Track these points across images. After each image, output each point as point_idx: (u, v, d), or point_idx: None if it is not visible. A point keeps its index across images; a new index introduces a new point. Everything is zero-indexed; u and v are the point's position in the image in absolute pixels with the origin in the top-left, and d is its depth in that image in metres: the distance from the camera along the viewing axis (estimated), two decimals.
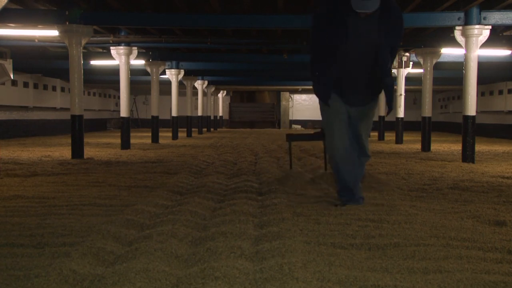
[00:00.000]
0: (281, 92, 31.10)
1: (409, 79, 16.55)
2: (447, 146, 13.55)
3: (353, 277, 2.42)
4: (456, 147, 12.72)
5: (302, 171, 6.54)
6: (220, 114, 30.92)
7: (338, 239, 3.17)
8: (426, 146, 11.76)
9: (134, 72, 15.60)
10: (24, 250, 2.92)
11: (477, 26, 8.62)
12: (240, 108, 31.77)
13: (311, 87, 21.58)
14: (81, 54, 9.15)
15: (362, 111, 4.40)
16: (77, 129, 9.19)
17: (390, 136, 17.71)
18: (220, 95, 30.18)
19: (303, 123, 31.62)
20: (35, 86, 18.33)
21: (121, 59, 11.82)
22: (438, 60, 11.98)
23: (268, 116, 31.48)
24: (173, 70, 16.17)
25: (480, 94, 20.20)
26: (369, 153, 4.53)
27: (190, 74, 18.95)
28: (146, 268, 2.43)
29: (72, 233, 3.31)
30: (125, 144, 11.84)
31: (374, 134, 16.40)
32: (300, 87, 27.12)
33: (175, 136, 16.68)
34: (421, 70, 12.31)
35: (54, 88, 19.94)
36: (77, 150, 9.18)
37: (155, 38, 11.53)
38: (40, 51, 14.30)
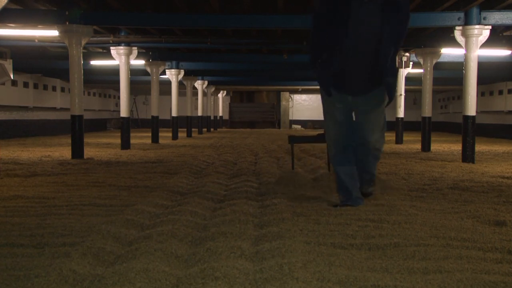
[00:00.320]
0: (281, 92, 31.10)
1: (409, 79, 16.55)
2: (447, 146, 13.56)
3: (353, 277, 2.42)
4: (456, 147, 12.72)
5: (303, 172, 6.43)
6: (220, 114, 30.92)
7: (338, 239, 3.17)
8: (426, 146, 11.76)
9: (134, 72, 15.60)
10: (24, 250, 2.92)
11: (477, 26, 8.62)
12: (240, 108, 31.78)
13: (311, 87, 21.76)
14: (81, 54, 9.14)
15: (367, 98, 4.27)
16: (77, 129, 9.19)
17: (390, 136, 17.70)
18: (220, 95, 30.18)
19: (303, 123, 31.63)
20: (35, 86, 18.33)
21: (121, 59, 11.82)
22: (438, 60, 11.98)
23: (268, 116, 31.49)
24: (173, 70, 16.17)
25: (480, 94, 20.19)
26: (378, 147, 4.33)
27: (190, 74, 18.95)
28: (146, 268, 2.43)
29: (72, 233, 3.31)
30: (125, 144, 11.84)
31: None
32: (300, 87, 27.12)
33: (175, 136, 16.68)
34: (421, 70, 12.31)
35: (54, 88, 19.94)
36: (77, 150, 9.18)
37: (155, 38, 11.54)
38: (40, 51, 14.30)
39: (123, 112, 12.05)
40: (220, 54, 14.62)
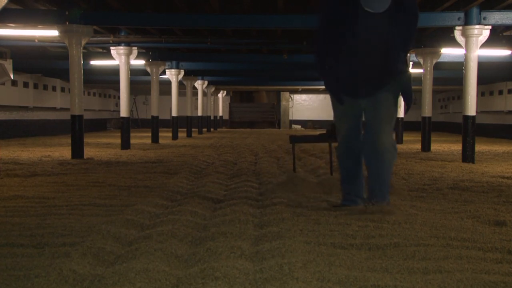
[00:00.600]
0: (281, 92, 31.11)
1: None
2: (447, 146, 13.56)
3: (353, 277, 2.42)
4: (456, 147, 12.72)
5: (306, 175, 6.26)
6: (220, 114, 30.93)
7: (338, 239, 3.17)
8: (426, 146, 11.77)
9: (134, 72, 15.60)
10: (24, 250, 2.92)
11: (477, 26, 8.62)
12: (240, 108, 31.79)
13: (311, 87, 21.77)
14: (81, 54, 9.14)
15: (376, 98, 4.10)
16: (77, 129, 9.19)
17: None
18: (220, 95, 30.19)
19: (303, 123, 31.63)
20: (35, 86, 18.33)
21: (121, 59, 11.82)
22: (438, 60, 11.98)
23: (268, 116, 31.50)
24: (173, 70, 16.17)
25: (480, 94, 20.19)
26: (389, 146, 4.12)
27: (190, 74, 18.95)
28: (146, 268, 2.43)
29: (72, 233, 3.31)
30: (125, 144, 11.84)
31: None
32: (300, 87, 27.14)
33: (175, 136, 16.69)
34: (421, 70, 12.31)
35: (54, 88, 19.94)
36: (77, 150, 9.18)
37: (155, 38, 11.54)
38: (40, 51, 14.30)
39: (123, 112, 12.05)
40: (220, 54, 14.63)
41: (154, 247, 2.77)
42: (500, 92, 19.54)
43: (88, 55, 13.93)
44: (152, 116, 14.88)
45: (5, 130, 16.37)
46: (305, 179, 5.49)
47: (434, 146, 12.95)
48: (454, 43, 9.67)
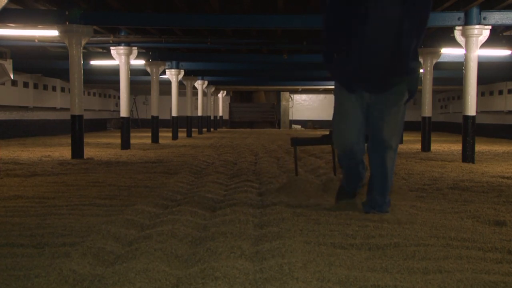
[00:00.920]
0: (281, 92, 31.12)
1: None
2: (447, 146, 13.56)
3: (353, 277, 2.42)
4: (456, 147, 12.72)
5: (309, 177, 5.92)
6: (220, 114, 30.93)
7: (338, 239, 3.17)
8: (426, 146, 11.77)
9: (134, 72, 15.60)
10: (24, 250, 2.92)
11: (477, 26, 8.62)
12: (240, 108, 31.79)
13: (311, 87, 21.72)
14: (81, 54, 9.14)
15: (384, 97, 3.87)
16: (77, 129, 9.19)
17: None
18: (220, 95, 30.19)
19: (303, 123, 31.64)
20: (35, 86, 18.33)
21: (121, 59, 11.82)
22: (438, 60, 11.98)
23: (268, 116, 31.50)
24: (173, 70, 16.17)
25: (480, 94, 20.19)
26: (393, 146, 3.95)
27: (190, 74, 18.95)
28: (146, 268, 2.43)
29: (72, 233, 3.31)
30: (125, 144, 11.84)
31: None
32: (300, 87, 27.13)
33: (175, 136, 16.69)
34: (421, 70, 12.31)
35: (54, 88, 19.94)
36: (77, 150, 9.18)
37: (155, 38, 11.54)
38: (40, 51, 14.30)
39: (123, 112, 12.05)
40: (220, 54, 14.63)
41: (154, 247, 2.77)
42: (500, 92, 19.54)
43: (88, 55, 13.93)
44: (152, 116, 14.88)
45: (5, 130, 16.37)
46: (307, 181, 5.25)
47: (434, 146, 12.95)
48: (454, 43, 9.67)
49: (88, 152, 10.28)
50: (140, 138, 16.47)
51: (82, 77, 9.22)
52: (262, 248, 2.89)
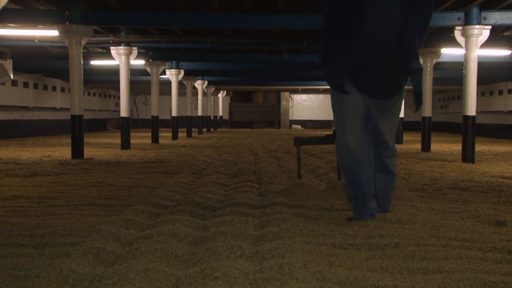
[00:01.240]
0: (281, 92, 31.12)
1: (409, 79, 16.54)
2: (447, 146, 13.56)
3: (353, 277, 2.42)
4: (456, 147, 12.72)
5: (311, 181, 5.65)
6: (220, 114, 30.94)
7: (338, 239, 3.17)
8: (426, 146, 11.77)
9: (134, 72, 15.60)
10: (24, 250, 2.92)
11: (477, 26, 8.62)
12: (240, 108, 31.79)
13: (311, 87, 21.70)
14: (81, 54, 9.15)
15: (385, 103, 3.74)
16: (77, 129, 9.19)
17: None
18: (220, 95, 30.20)
19: (303, 123, 31.65)
20: (35, 86, 18.33)
21: (121, 59, 11.82)
22: (438, 60, 11.99)
23: (268, 116, 31.51)
24: (173, 70, 16.17)
25: (480, 94, 20.20)
26: (395, 152, 3.93)
27: (190, 74, 18.96)
28: (146, 268, 2.43)
29: (72, 233, 3.31)
30: (125, 144, 11.84)
31: None
32: (300, 87, 27.13)
33: (175, 136, 16.69)
34: None
35: (54, 88, 19.94)
36: (77, 150, 9.18)
37: (155, 38, 11.54)
38: (40, 51, 14.31)
39: (123, 112, 12.05)
40: (220, 54, 14.63)
41: (154, 247, 2.77)
42: (500, 92, 19.54)
43: (88, 55, 13.93)
44: (152, 116, 14.88)
45: (5, 130, 16.37)
46: (311, 186, 5.00)
47: (434, 146, 12.95)
48: (454, 43, 9.67)
49: (88, 152, 10.28)
50: (140, 138, 16.47)
51: (82, 77, 9.23)
52: (262, 248, 2.89)
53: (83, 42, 9.13)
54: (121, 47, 11.69)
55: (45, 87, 19.24)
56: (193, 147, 12.54)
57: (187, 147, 12.74)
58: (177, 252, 2.78)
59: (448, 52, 12.33)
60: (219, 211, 4.05)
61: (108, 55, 12.83)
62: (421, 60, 11.77)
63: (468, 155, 8.88)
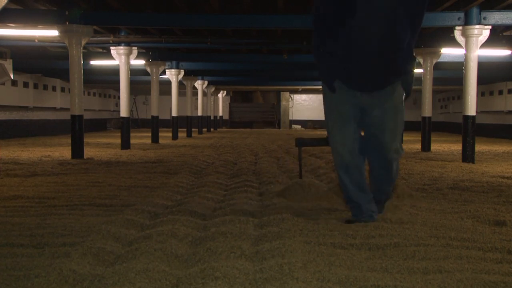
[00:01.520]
0: (281, 92, 31.13)
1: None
2: (447, 146, 13.55)
3: (353, 277, 2.42)
4: (456, 147, 12.72)
5: (314, 181, 5.28)
6: (220, 114, 30.94)
7: (338, 239, 3.17)
8: (426, 146, 11.77)
9: (134, 72, 15.60)
10: (24, 250, 2.92)
11: (477, 26, 8.62)
12: (240, 108, 31.80)
13: (311, 87, 21.69)
14: (81, 54, 9.14)
15: (379, 97, 3.53)
16: (77, 129, 9.19)
17: None
18: (220, 95, 30.20)
19: (303, 123, 31.65)
20: (35, 86, 18.33)
21: (121, 59, 11.82)
22: (438, 60, 11.98)
23: (268, 116, 31.52)
24: (173, 70, 16.17)
25: (480, 94, 20.20)
26: (400, 150, 3.68)
27: (190, 74, 18.96)
28: (146, 268, 2.43)
29: (72, 233, 3.31)
30: (125, 144, 11.84)
31: None
32: (300, 87, 27.14)
33: (175, 136, 16.69)
34: (421, 70, 12.31)
35: (54, 88, 19.95)
36: (77, 150, 9.18)
37: (155, 38, 11.54)
38: (40, 51, 14.31)
39: (123, 112, 12.05)
40: (220, 54, 14.63)
41: (154, 247, 2.77)
42: (500, 92, 19.55)
43: (88, 55, 13.93)
44: (152, 116, 14.88)
45: (5, 130, 16.37)
46: (315, 187, 4.84)
47: (434, 146, 12.95)
48: (454, 43, 9.67)
49: (88, 152, 10.28)
50: (140, 138, 16.47)
51: (82, 77, 9.22)
52: (262, 248, 2.89)
53: (83, 42, 9.13)
54: (121, 47, 11.69)
55: (45, 87, 19.24)
56: (193, 147, 12.54)
57: (187, 147, 12.74)
58: (177, 252, 2.78)
59: (448, 52, 12.33)
60: (219, 211, 4.05)
61: (108, 55, 12.83)
62: (421, 60, 11.80)
63: (468, 155, 8.88)
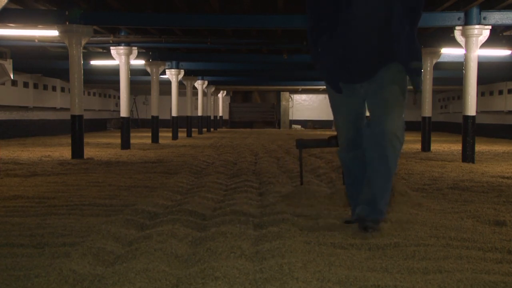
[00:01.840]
0: (281, 92, 31.13)
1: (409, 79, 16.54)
2: (447, 146, 13.55)
3: (353, 277, 2.42)
4: (456, 147, 12.71)
5: (315, 186, 5.24)
6: (220, 114, 30.94)
7: (338, 239, 3.17)
8: (426, 146, 11.77)
9: (134, 72, 15.60)
10: (24, 250, 2.92)
11: (477, 26, 8.62)
12: (240, 108, 31.80)
13: (311, 87, 21.69)
14: (81, 54, 9.14)
15: (377, 79, 3.39)
16: (77, 129, 9.19)
17: None
18: (220, 95, 30.20)
19: (303, 123, 31.65)
20: (35, 86, 18.33)
21: (121, 59, 11.82)
22: (438, 60, 11.98)
23: (268, 116, 31.52)
24: (173, 70, 16.18)
25: (480, 94, 20.19)
26: (399, 137, 3.32)
27: (190, 74, 18.96)
28: (146, 268, 2.43)
29: (72, 233, 3.31)
30: (125, 144, 11.84)
31: None
32: (300, 87, 27.14)
33: (175, 136, 16.69)
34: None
35: (54, 88, 19.95)
36: (77, 150, 9.18)
37: (155, 38, 11.54)
38: (40, 51, 14.31)
39: (123, 112, 12.05)
40: (220, 54, 14.63)
41: (154, 247, 2.77)
42: (500, 92, 19.54)
43: (88, 55, 13.93)
44: (152, 116, 14.88)
45: (5, 130, 16.37)
46: (316, 192, 4.74)
47: (434, 146, 12.94)
48: (454, 43, 9.67)
49: (88, 152, 10.28)
50: (140, 138, 16.47)
51: (82, 77, 9.23)
52: (262, 248, 2.89)
53: (83, 42, 9.13)
54: (121, 47, 11.69)
55: (45, 87, 19.24)
56: (193, 147, 12.54)
57: (187, 147, 12.74)
58: (177, 252, 2.78)
59: (448, 52, 12.33)
60: (219, 211, 4.05)
61: (108, 55, 12.83)
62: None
63: (468, 155, 8.88)
